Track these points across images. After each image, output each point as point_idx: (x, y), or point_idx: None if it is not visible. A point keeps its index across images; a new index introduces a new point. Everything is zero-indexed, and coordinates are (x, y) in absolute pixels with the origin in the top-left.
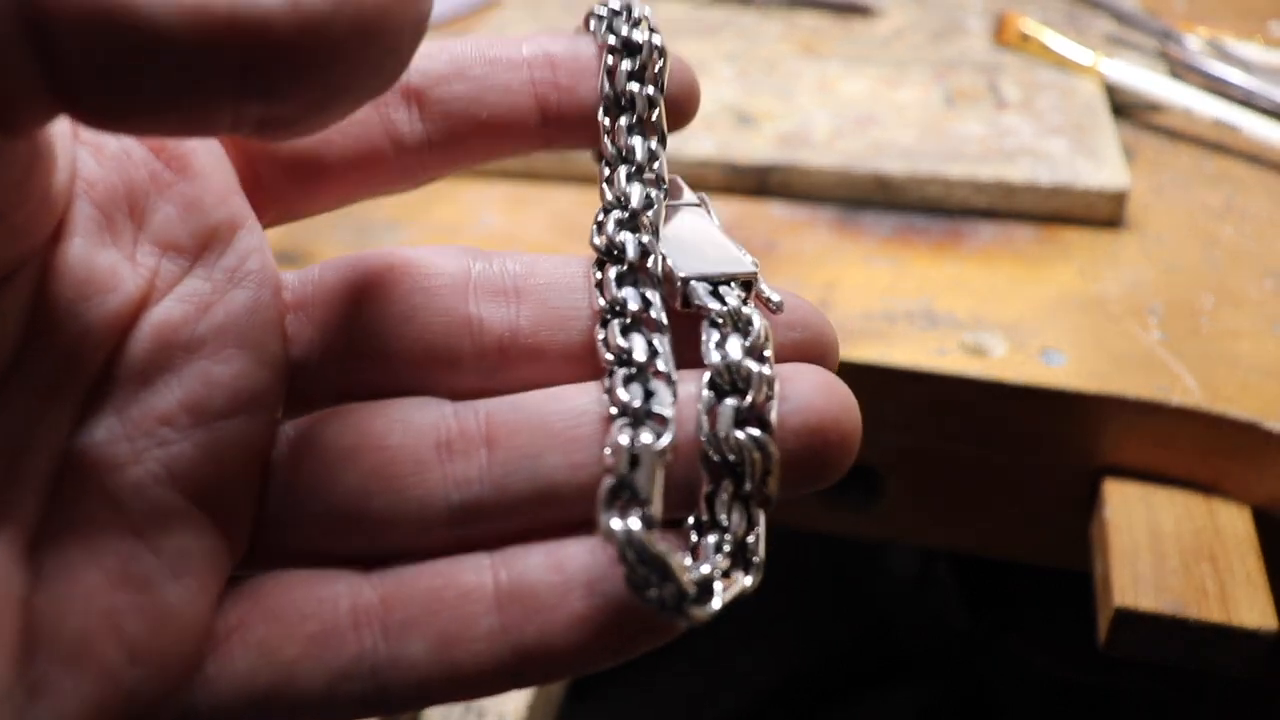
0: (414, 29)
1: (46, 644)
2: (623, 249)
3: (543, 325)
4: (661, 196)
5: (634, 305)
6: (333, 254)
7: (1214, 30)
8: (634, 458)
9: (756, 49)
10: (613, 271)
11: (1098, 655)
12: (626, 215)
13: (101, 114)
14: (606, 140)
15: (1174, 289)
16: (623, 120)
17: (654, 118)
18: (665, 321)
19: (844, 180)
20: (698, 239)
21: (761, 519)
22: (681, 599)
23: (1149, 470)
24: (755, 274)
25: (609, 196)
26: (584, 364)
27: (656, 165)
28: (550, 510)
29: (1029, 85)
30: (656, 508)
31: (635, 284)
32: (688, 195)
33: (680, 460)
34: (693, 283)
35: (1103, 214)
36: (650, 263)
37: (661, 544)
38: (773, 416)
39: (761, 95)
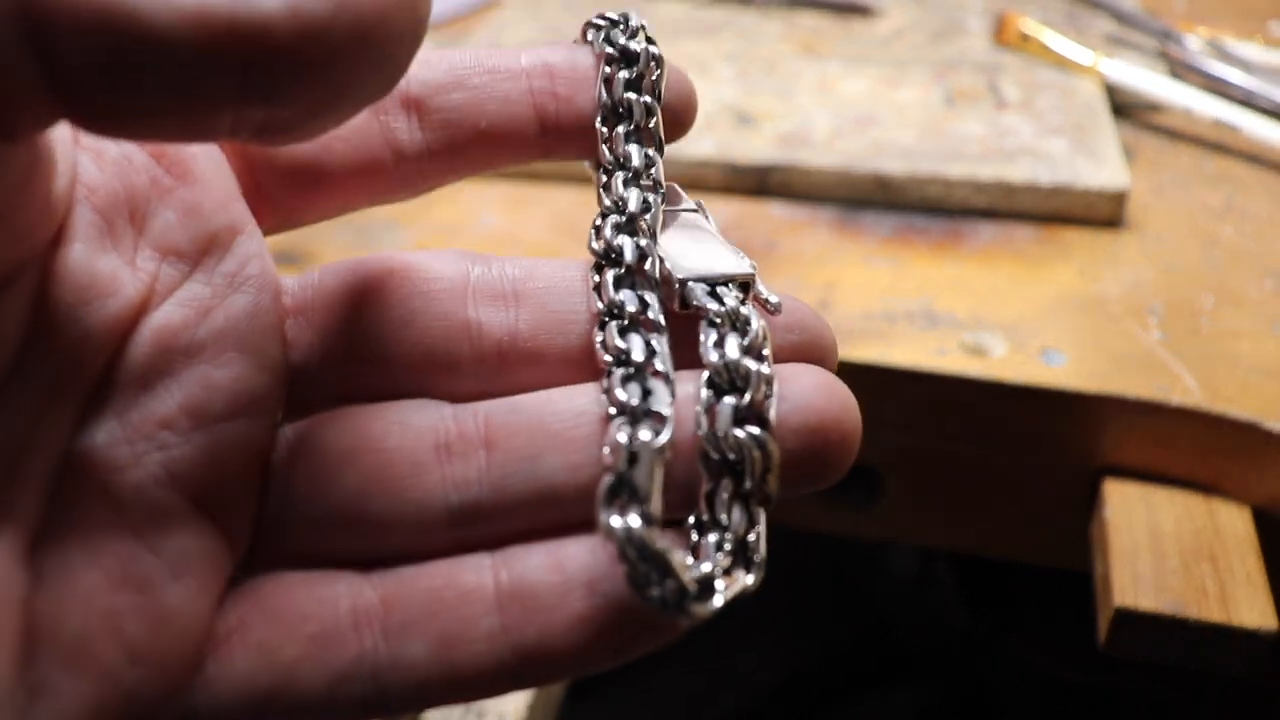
0: (412, 34)
1: (47, 645)
2: (620, 252)
3: (542, 329)
4: (659, 201)
5: (631, 307)
6: (333, 254)
7: (1214, 30)
8: (633, 455)
9: (756, 49)
10: (610, 275)
11: (1098, 655)
12: (624, 219)
13: (102, 118)
14: (604, 148)
15: (1174, 289)
16: (620, 129)
17: (651, 125)
18: (663, 322)
19: (844, 180)
20: (695, 242)
21: (762, 517)
22: (683, 596)
23: (1149, 470)
24: (753, 275)
25: (606, 202)
26: (583, 368)
27: (653, 171)
28: (550, 511)
29: (1029, 85)
30: (656, 505)
31: (633, 286)
32: (686, 202)
33: (679, 459)
34: (690, 284)
35: (1103, 214)
36: (648, 266)
37: (662, 541)
38: (772, 415)
39: (761, 95)
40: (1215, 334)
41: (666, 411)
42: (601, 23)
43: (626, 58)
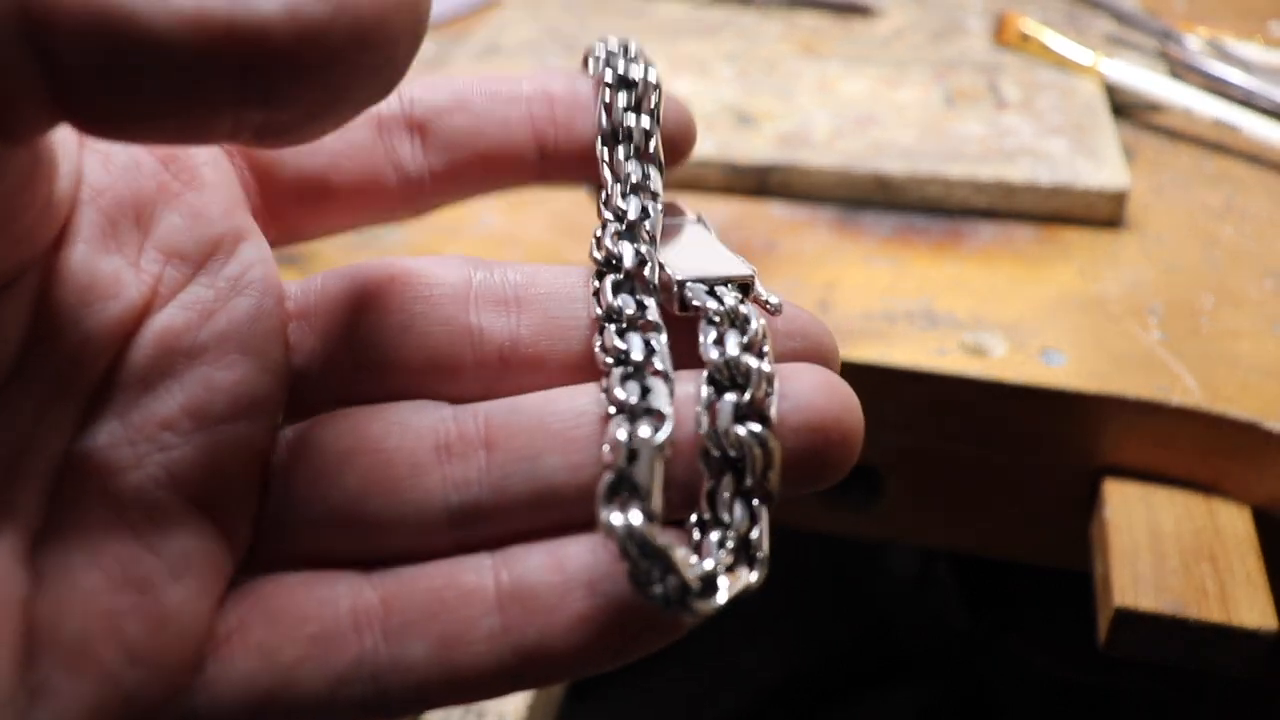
0: (412, 35)
1: (47, 646)
2: (620, 258)
3: (543, 335)
4: (658, 209)
5: (630, 311)
6: (334, 254)
7: (1214, 30)
8: (632, 452)
9: (756, 49)
10: (610, 280)
11: (1098, 655)
12: (623, 227)
13: (102, 121)
14: (605, 169)
15: (1174, 289)
16: (620, 151)
17: (650, 146)
18: (661, 323)
19: (844, 180)
20: (695, 248)
21: (764, 515)
22: (685, 593)
23: (1149, 470)
24: (752, 276)
25: (606, 214)
26: (585, 373)
27: (651, 183)
28: (551, 511)
29: (1029, 85)
30: (657, 502)
31: (632, 292)
32: (687, 215)
33: (680, 458)
34: (689, 284)
35: (1103, 214)
36: (647, 271)
37: (663, 537)
38: (772, 412)
39: (761, 95)
40: (1215, 334)
41: (666, 408)
42: (601, 52)
43: (625, 83)
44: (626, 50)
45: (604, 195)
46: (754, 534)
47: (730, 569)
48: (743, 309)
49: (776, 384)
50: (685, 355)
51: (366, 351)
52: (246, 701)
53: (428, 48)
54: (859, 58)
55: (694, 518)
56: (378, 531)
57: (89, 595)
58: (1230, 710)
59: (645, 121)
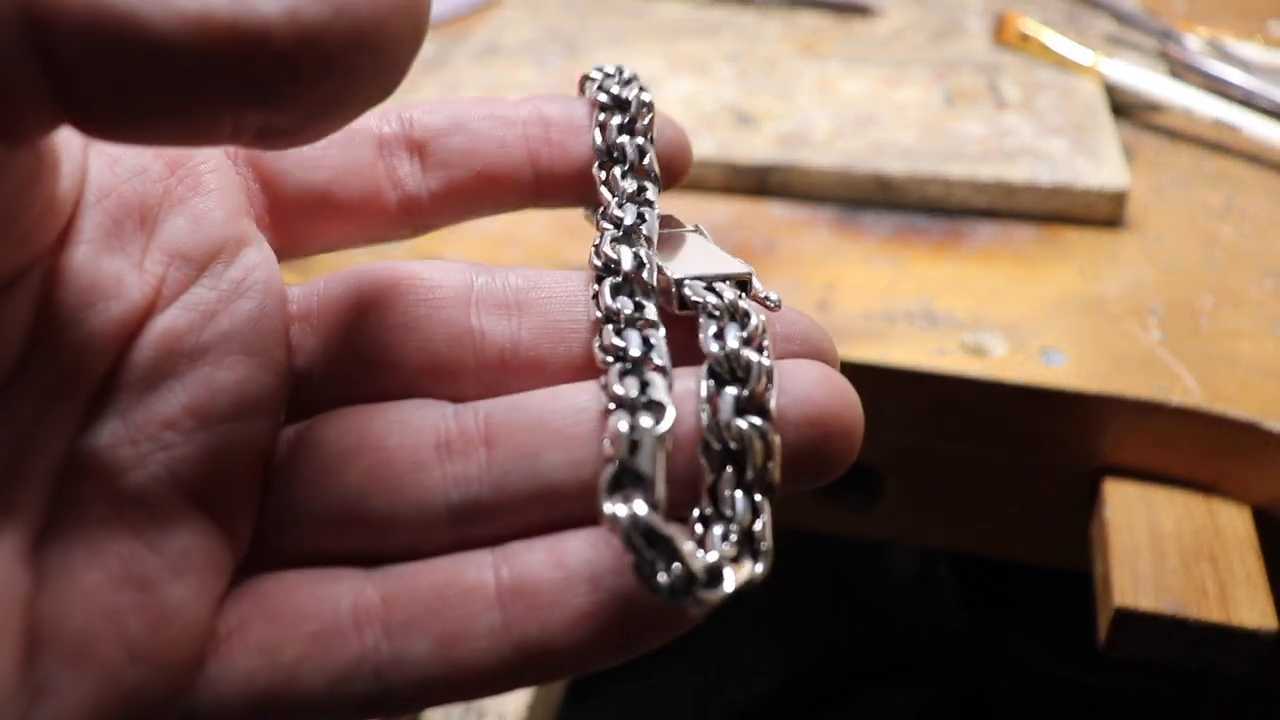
0: (411, 38)
1: (49, 644)
2: (618, 262)
3: (544, 338)
4: (654, 215)
5: (628, 311)
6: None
7: (1214, 30)
8: (634, 443)
9: (756, 49)
10: (608, 283)
11: (1098, 655)
12: (621, 232)
13: (103, 122)
14: (602, 188)
15: (1174, 289)
16: (616, 170)
17: (645, 163)
18: (659, 321)
19: (844, 180)
20: (693, 253)
21: (767, 507)
22: (691, 583)
23: (1149, 470)
24: (750, 274)
25: (604, 224)
26: (585, 375)
27: (648, 194)
28: (552, 508)
29: (1029, 85)
30: (660, 491)
31: (631, 294)
32: (685, 226)
33: (680, 453)
34: (687, 282)
35: (1103, 214)
36: (645, 274)
37: (668, 527)
38: (772, 406)
39: (761, 95)
40: (1215, 334)
41: (665, 400)
42: (597, 75)
43: (619, 104)
44: (621, 73)
45: (601, 209)
46: (757, 526)
47: (734, 561)
48: (742, 304)
49: (776, 379)
50: (685, 356)
51: (368, 353)
52: (248, 700)
53: (428, 48)
54: (859, 58)
55: (696, 512)
56: (379, 529)
57: (90, 593)
58: (1230, 710)
59: (639, 141)
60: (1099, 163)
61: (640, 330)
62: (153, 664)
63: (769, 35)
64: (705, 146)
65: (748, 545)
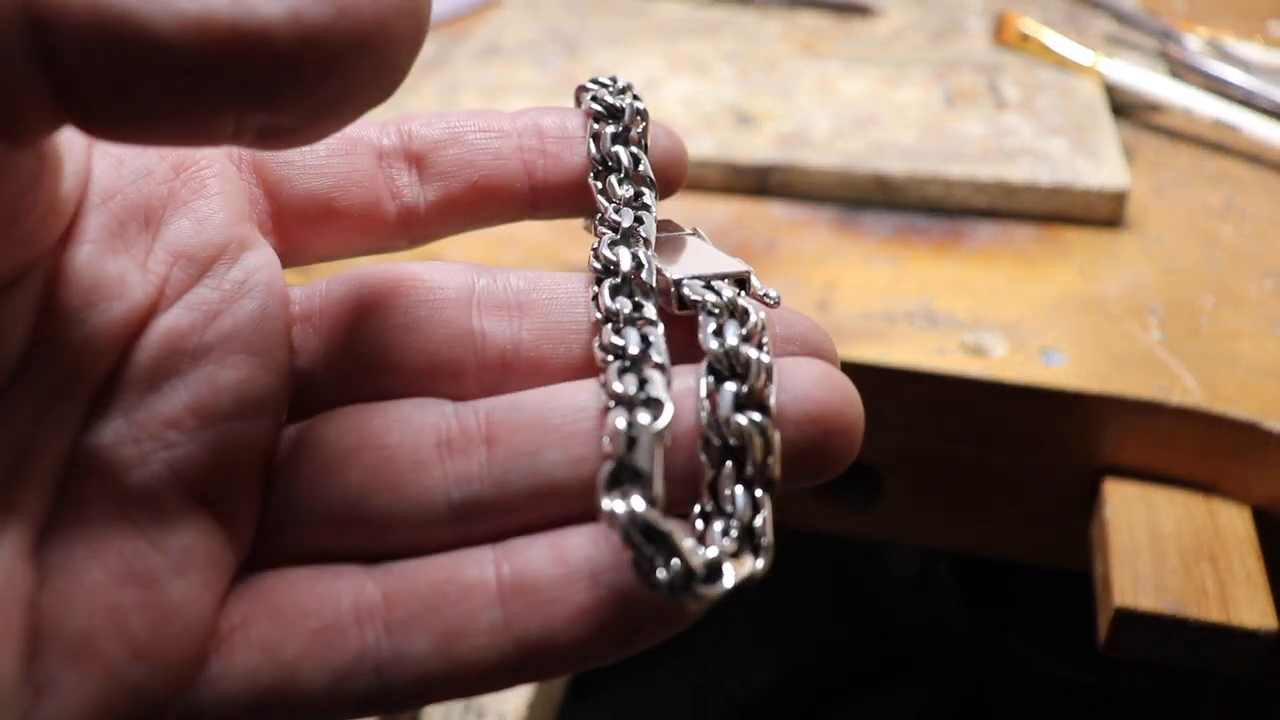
0: (412, 39)
1: (51, 641)
2: (617, 264)
3: (545, 339)
4: (652, 218)
5: (627, 310)
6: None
7: (1214, 30)
8: (632, 439)
9: (756, 49)
10: (608, 284)
11: (1098, 655)
12: (619, 235)
13: (105, 123)
14: (599, 196)
15: (1174, 289)
16: (612, 178)
17: (640, 170)
18: (658, 320)
19: (844, 180)
20: (691, 252)
21: (767, 503)
22: (690, 579)
23: (1149, 470)
24: (749, 272)
25: (602, 229)
26: (586, 376)
27: (644, 198)
28: (552, 506)
29: (1029, 85)
30: (658, 487)
31: (630, 294)
32: (684, 229)
33: (680, 449)
34: (686, 281)
35: (1103, 214)
36: (644, 274)
37: (667, 523)
38: (772, 403)
39: (761, 95)
40: (1215, 334)
41: (664, 396)
42: (591, 85)
43: (613, 113)
44: (615, 83)
45: (599, 216)
46: (757, 522)
47: (734, 556)
48: (741, 301)
49: (776, 376)
50: (684, 357)
51: (370, 354)
52: (250, 696)
53: (428, 48)
54: (859, 58)
55: (697, 509)
56: (380, 527)
57: (93, 590)
58: (1230, 710)
59: (634, 149)
60: (1099, 163)
61: (639, 328)
62: (155, 662)
63: (769, 35)
64: (705, 146)
65: (748, 541)
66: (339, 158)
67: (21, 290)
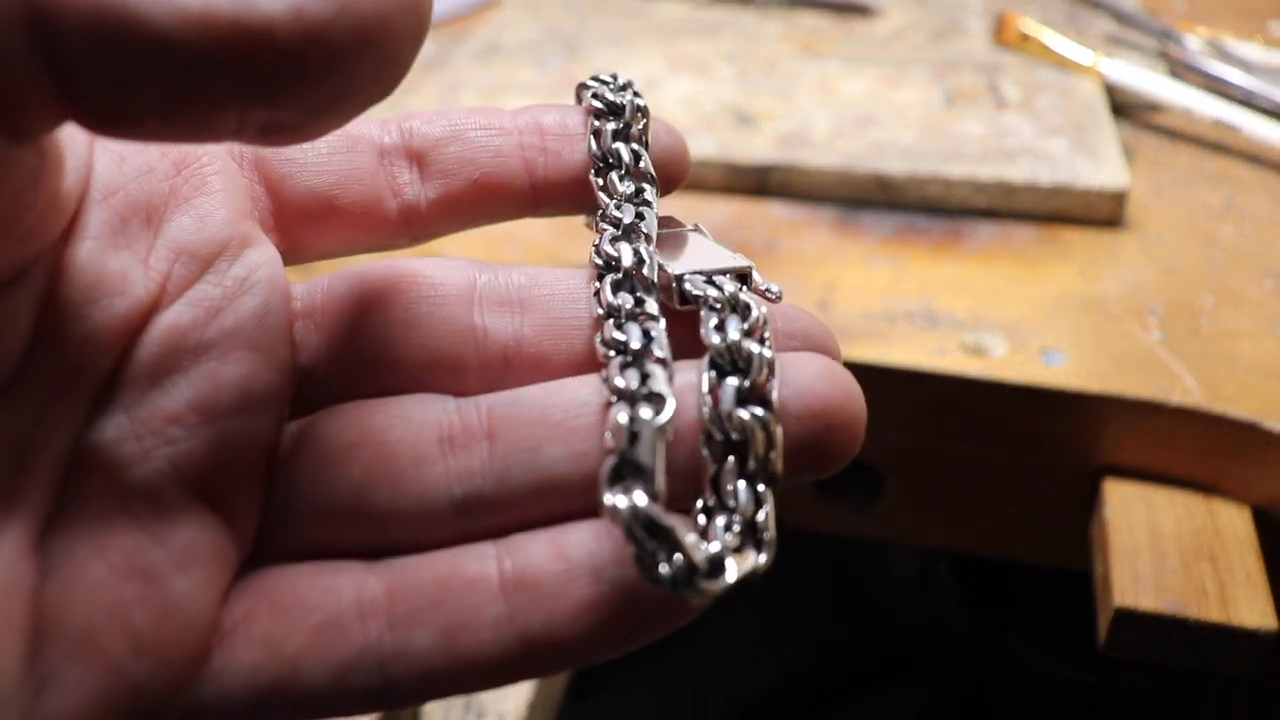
0: (414, 35)
1: (54, 636)
2: (618, 259)
3: (546, 335)
4: (653, 214)
5: (629, 305)
6: None
7: (1214, 30)
8: (634, 434)
9: (756, 49)
10: (609, 279)
11: (1098, 655)
12: (620, 231)
13: (106, 119)
14: (600, 193)
15: (1174, 289)
16: (613, 175)
17: (641, 166)
18: (659, 315)
19: (844, 180)
20: (693, 248)
21: (770, 498)
22: (693, 573)
23: (1149, 470)
24: (750, 267)
25: (603, 225)
26: (587, 372)
27: (645, 194)
28: (554, 501)
29: (1029, 85)
30: (660, 482)
31: (632, 290)
32: (685, 225)
33: (682, 444)
34: (688, 276)
35: (1103, 214)
36: (645, 270)
37: (669, 518)
38: (774, 398)
39: (761, 95)
40: (1215, 334)
41: (666, 391)
42: (592, 83)
43: (614, 110)
44: (615, 80)
45: (600, 212)
46: (760, 517)
47: (737, 551)
48: (743, 296)
49: (778, 371)
50: (686, 353)
51: (371, 350)
52: (252, 692)
53: (428, 48)
54: (859, 58)
55: (699, 503)
56: (382, 522)
57: (95, 586)
58: (1230, 710)
59: (635, 145)
60: (1099, 163)
61: (641, 324)
62: (157, 657)
63: (769, 35)
64: (705, 146)
65: (750, 536)
66: (340, 155)
67: (23, 287)
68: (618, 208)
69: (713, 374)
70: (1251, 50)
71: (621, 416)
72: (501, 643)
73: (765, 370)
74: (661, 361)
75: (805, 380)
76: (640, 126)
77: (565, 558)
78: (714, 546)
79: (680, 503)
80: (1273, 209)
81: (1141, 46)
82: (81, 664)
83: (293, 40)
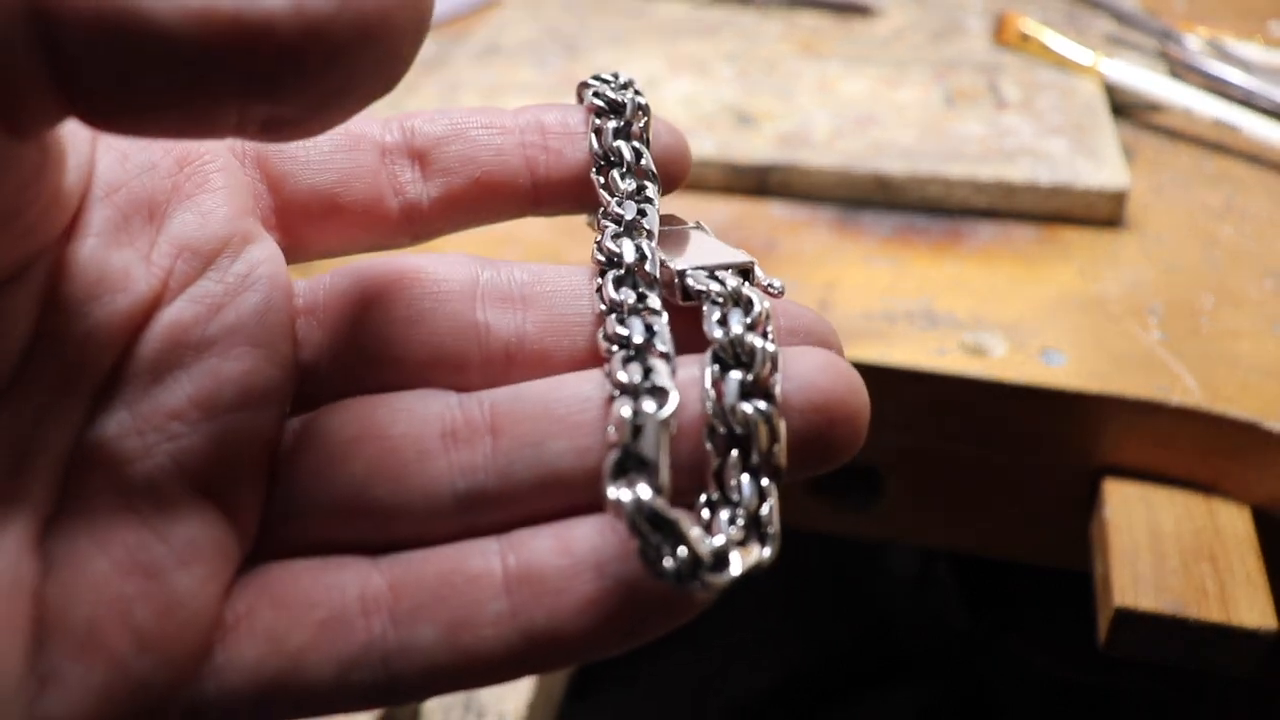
0: (415, 31)
1: (56, 633)
2: (620, 255)
3: (549, 331)
4: (655, 210)
5: (631, 300)
6: None
7: (1214, 30)
8: (637, 428)
9: (756, 49)
10: (611, 275)
11: (1098, 655)
12: (622, 227)
13: (108, 115)
14: (601, 190)
15: (1174, 289)
16: (614, 173)
17: (642, 164)
18: (662, 310)
19: (844, 180)
20: (694, 244)
21: (773, 492)
22: (697, 566)
23: (1149, 470)
24: (752, 263)
25: (605, 222)
26: (590, 369)
27: (647, 191)
28: (557, 496)
29: (1029, 85)
30: (664, 475)
31: (634, 286)
32: (687, 223)
33: (685, 438)
34: (690, 271)
35: (1103, 214)
36: (648, 265)
37: (673, 511)
38: (777, 390)
39: (761, 95)
40: (1215, 334)
41: (668, 384)
42: (593, 81)
43: (615, 109)
44: (616, 79)
45: (601, 210)
46: (763, 511)
47: (741, 545)
48: (745, 291)
49: (781, 365)
50: (687, 348)
51: (373, 347)
52: (255, 688)
53: (428, 48)
54: (859, 58)
55: (703, 498)
56: (385, 517)
57: (98, 582)
58: (1230, 710)
59: (636, 143)
60: (1099, 163)
61: (643, 318)
62: (160, 653)
63: (769, 35)
64: (705, 146)
65: (754, 530)
66: (342, 154)
67: (25, 283)
68: (619, 205)
69: (716, 368)
70: (1251, 50)
71: (625, 410)
72: (505, 639)
73: (768, 364)
74: (664, 356)
75: (808, 374)
76: (641, 124)
77: (569, 553)
78: (718, 540)
79: (684, 497)
80: (1273, 209)
81: (1141, 46)
82: (84, 660)
83: (294, 35)
